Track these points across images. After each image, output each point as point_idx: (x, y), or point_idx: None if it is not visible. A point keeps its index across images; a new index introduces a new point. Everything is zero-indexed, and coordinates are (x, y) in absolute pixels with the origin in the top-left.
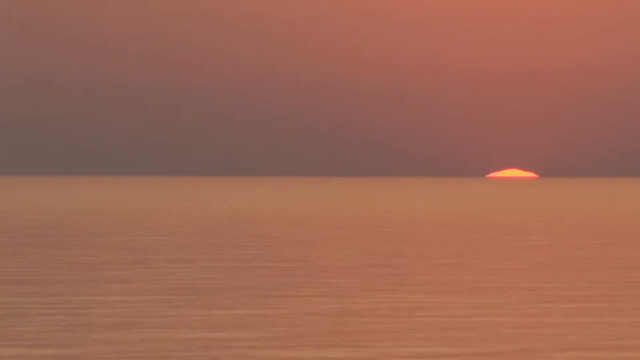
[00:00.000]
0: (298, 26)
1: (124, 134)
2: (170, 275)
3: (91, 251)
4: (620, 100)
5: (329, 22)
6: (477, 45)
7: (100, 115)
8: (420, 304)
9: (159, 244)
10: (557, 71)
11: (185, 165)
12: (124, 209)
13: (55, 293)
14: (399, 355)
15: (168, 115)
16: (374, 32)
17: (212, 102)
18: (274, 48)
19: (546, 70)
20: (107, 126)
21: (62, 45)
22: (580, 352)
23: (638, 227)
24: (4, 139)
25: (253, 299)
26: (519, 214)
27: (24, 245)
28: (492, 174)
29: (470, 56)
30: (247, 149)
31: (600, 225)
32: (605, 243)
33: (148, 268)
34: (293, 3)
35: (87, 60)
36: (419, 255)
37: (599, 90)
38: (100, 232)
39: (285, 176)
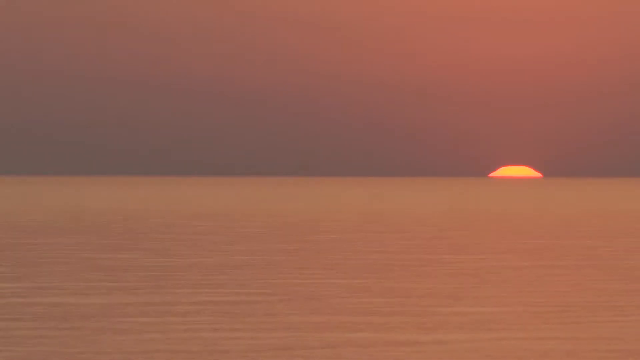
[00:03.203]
0: (299, 26)
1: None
2: None
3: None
4: (627, 100)
5: (324, 18)
6: (478, 44)
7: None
8: None
9: None
10: (560, 71)
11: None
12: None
13: None
14: None
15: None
16: (373, 29)
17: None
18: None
19: (548, 69)
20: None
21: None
22: None
23: None
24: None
25: None
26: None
27: None
28: (492, 174)
29: (472, 56)
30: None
31: None
32: None
33: None
34: None
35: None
36: None
37: (604, 89)
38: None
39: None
